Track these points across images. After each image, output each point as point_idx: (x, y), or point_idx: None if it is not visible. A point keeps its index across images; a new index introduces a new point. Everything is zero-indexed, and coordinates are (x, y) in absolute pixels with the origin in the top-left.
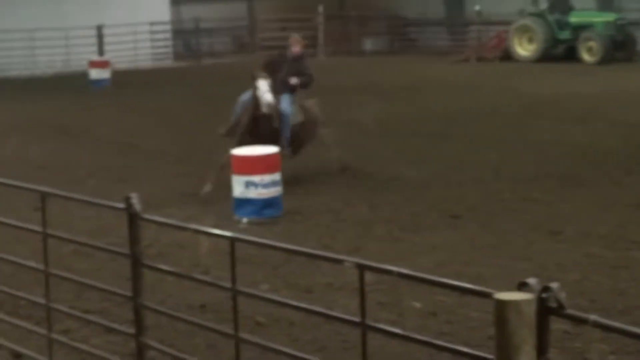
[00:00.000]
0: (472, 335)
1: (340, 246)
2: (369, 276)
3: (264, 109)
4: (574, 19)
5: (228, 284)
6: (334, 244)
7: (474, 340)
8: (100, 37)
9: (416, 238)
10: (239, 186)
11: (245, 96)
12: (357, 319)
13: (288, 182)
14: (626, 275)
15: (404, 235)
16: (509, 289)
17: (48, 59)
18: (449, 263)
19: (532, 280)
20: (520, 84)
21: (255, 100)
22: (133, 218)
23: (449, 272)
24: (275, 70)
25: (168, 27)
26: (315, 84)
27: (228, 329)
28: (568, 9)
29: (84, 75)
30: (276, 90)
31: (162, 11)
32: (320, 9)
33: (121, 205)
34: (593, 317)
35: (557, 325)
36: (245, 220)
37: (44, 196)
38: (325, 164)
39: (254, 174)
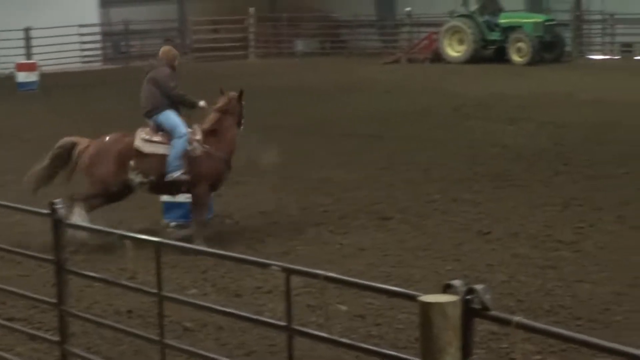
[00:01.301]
0: (400, 337)
1: (269, 249)
2: (297, 280)
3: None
4: (503, 20)
5: (154, 289)
6: (263, 247)
7: (401, 343)
8: (27, 39)
9: (346, 240)
10: None
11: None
12: (283, 323)
13: None
14: (553, 275)
15: (334, 237)
16: (437, 290)
17: None
18: (378, 265)
19: (457, 282)
20: (451, 85)
21: None
22: (57, 224)
23: (379, 274)
24: None
25: (97, 29)
26: (246, 86)
27: (154, 334)
28: (498, 11)
29: (11, 78)
30: None
31: (91, 13)
32: (252, 10)
33: (46, 211)
34: (517, 318)
35: (484, 326)
36: (173, 224)
37: None
38: (257, 166)
39: None
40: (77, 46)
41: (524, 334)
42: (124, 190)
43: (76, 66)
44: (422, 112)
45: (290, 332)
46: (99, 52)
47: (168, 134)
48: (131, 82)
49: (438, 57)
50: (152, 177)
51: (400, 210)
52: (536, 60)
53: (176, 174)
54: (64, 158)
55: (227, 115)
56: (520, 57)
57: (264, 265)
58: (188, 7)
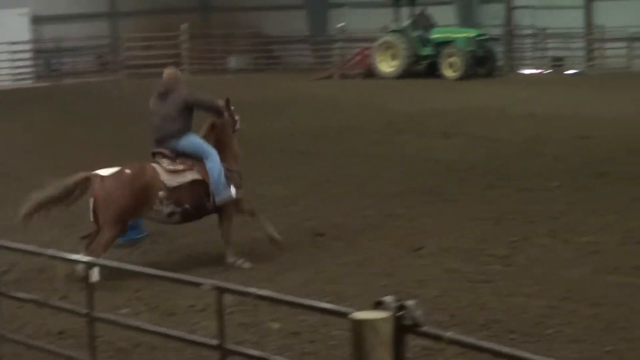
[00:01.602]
0: (334, 354)
1: (203, 267)
2: (230, 298)
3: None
4: (435, 35)
5: (85, 310)
6: (196, 266)
7: (336, 359)
8: None
9: (280, 257)
10: None
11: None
12: (215, 342)
13: None
14: (486, 289)
15: (269, 254)
16: (369, 306)
17: None
18: (313, 282)
19: (388, 299)
20: (384, 100)
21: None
22: None
23: (313, 290)
24: None
25: (28, 46)
26: None
27: (86, 355)
28: (430, 26)
29: None
30: None
31: (22, 31)
32: (184, 27)
33: None
34: (448, 333)
35: (416, 341)
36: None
37: None
38: None
39: None
40: (7, 64)
41: (456, 349)
42: None
43: (7, 84)
44: (355, 127)
45: (223, 351)
46: (30, 69)
47: (189, 158)
48: (63, 99)
49: (371, 73)
50: (186, 205)
51: (334, 226)
52: (468, 75)
53: (227, 195)
54: (74, 192)
55: (225, 127)
56: (453, 72)
57: (196, 284)
58: (120, 24)
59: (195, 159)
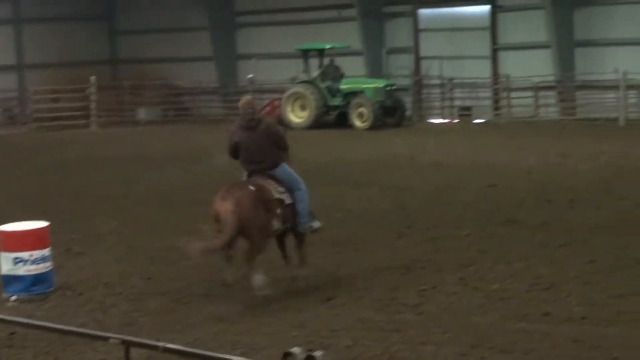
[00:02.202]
0: None
1: (113, 321)
2: (141, 351)
3: None
4: (344, 85)
5: None
6: (106, 319)
7: None
8: None
9: (191, 309)
10: (7, 263)
11: None
12: None
13: (60, 255)
14: (397, 338)
15: (180, 306)
16: (279, 357)
17: None
18: (225, 333)
19: (296, 350)
20: (294, 150)
21: None
22: None
23: (225, 342)
24: None
25: None
26: (86, 155)
27: None
28: (339, 76)
29: None
30: None
31: None
32: (93, 79)
33: None
34: None
35: None
36: (14, 298)
37: None
38: (101, 236)
39: (22, 250)
40: None
41: None
42: None
43: None
44: None
45: None
46: None
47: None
48: None
49: (281, 123)
50: (288, 224)
51: (243, 276)
52: (378, 124)
53: (316, 225)
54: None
55: None
56: (362, 122)
57: (104, 338)
58: (28, 76)
59: (288, 185)
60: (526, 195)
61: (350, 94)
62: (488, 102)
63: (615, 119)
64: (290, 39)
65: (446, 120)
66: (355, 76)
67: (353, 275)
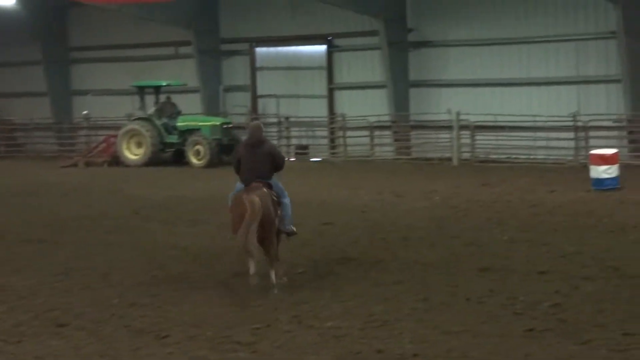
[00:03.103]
0: None
1: None
2: None
3: None
4: (181, 123)
5: None
6: None
7: None
8: None
9: (20, 349)
10: None
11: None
12: None
13: None
14: None
15: (7, 347)
16: None
17: None
18: None
19: None
20: (130, 188)
21: None
22: None
23: None
24: None
25: None
26: None
27: None
28: (176, 113)
29: None
30: None
31: None
32: None
33: None
34: None
35: None
36: None
37: None
38: None
39: None
40: None
41: None
42: None
43: None
44: (100, 215)
45: None
46: None
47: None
48: None
49: (117, 161)
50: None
51: (76, 316)
52: (214, 162)
53: (291, 228)
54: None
55: None
56: (199, 159)
57: None
58: None
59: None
60: (361, 233)
61: (187, 132)
62: (324, 141)
63: (449, 159)
64: (127, 75)
65: None
66: (192, 114)
67: (187, 313)
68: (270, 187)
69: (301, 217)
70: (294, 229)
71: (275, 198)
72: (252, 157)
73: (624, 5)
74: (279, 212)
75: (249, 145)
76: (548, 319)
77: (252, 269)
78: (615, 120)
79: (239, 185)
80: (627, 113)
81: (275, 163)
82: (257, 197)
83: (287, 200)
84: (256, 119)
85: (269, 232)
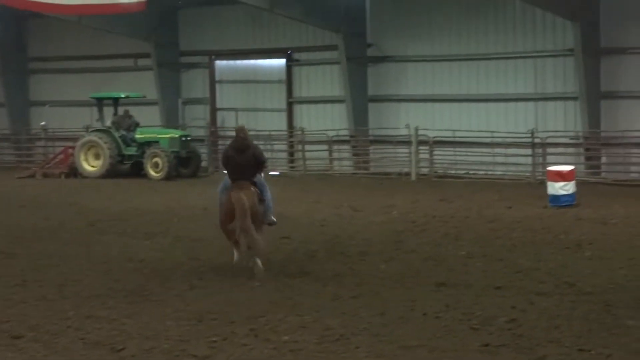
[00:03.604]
0: None
1: None
2: None
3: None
4: (140, 135)
5: None
6: None
7: None
8: None
9: None
10: None
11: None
12: None
13: None
14: None
15: None
16: None
17: None
18: None
19: None
20: (87, 200)
21: None
22: None
23: None
24: None
25: None
26: None
27: None
28: (134, 126)
29: None
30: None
31: None
32: None
33: None
34: None
35: None
36: None
37: None
38: None
39: None
40: None
41: None
42: None
43: None
44: (56, 227)
45: None
46: None
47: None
48: None
49: (74, 172)
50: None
51: (31, 328)
52: (172, 175)
53: (274, 219)
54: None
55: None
56: (157, 172)
57: None
58: None
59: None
60: (319, 247)
61: (145, 144)
62: (283, 155)
63: (408, 174)
64: (86, 87)
65: None
66: (151, 126)
67: (143, 326)
68: (254, 184)
69: None
70: (274, 220)
71: (258, 194)
72: (241, 160)
73: (582, 24)
74: (261, 207)
75: (236, 149)
76: (504, 334)
77: (236, 257)
78: (572, 137)
79: (227, 180)
80: (584, 130)
81: (258, 165)
82: (244, 196)
83: (269, 195)
84: (215, 131)
85: (257, 224)
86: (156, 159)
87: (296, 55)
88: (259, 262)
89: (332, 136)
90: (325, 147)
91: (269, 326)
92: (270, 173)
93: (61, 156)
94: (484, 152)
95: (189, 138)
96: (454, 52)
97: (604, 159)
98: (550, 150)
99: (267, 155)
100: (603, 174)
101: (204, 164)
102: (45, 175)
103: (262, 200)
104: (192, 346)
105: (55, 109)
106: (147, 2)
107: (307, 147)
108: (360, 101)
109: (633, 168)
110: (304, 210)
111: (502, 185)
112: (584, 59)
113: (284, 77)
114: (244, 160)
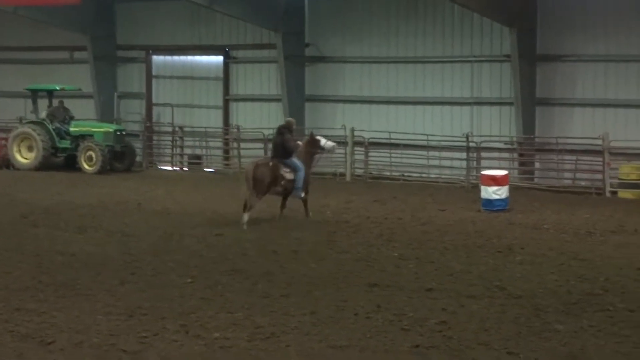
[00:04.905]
0: None
1: None
2: None
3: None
4: (74, 128)
5: None
6: None
7: None
8: None
9: None
10: None
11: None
12: None
13: None
14: None
15: None
16: None
17: None
18: None
19: None
20: (19, 192)
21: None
22: None
23: None
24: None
25: None
26: None
27: None
28: (69, 118)
29: None
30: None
31: None
32: None
33: None
34: None
35: None
36: None
37: None
38: None
39: None
40: None
41: None
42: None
43: None
44: None
45: None
46: None
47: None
48: None
49: (7, 164)
50: (288, 189)
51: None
52: (106, 169)
53: (303, 194)
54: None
55: (311, 151)
56: (91, 165)
57: None
58: None
59: (292, 169)
60: (251, 245)
61: (80, 137)
62: (219, 152)
63: (342, 174)
64: (21, 78)
65: (176, 168)
66: (86, 119)
67: (73, 319)
68: (282, 162)
69: (191, 227)
70: (302, 195)
71: (282, 172)
72: (277, 142)
73: (518, 30)
74: (282, 182)
75: (278, 132)
76: (434, 335)
77: (245, 218)
78: (506, 143)
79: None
80: (518, 136)
81: (286, 149)
82: (251, 166)
83: (301, 173)
84: (150, 127)
85: (255, 188)
86: (90, 153)
87: (234, 53)
88: (246, 216)
89: (268, 134)
90: (260, 145)
91: (200, 322)
92: (205, 170)
93: None
94: (419, 155)
95: (124, 132)
96: (391, 54)
97: (537, 165)
98: (484, 154)
99: (202, 152)
100: (536, 180)
101: (138, 158)
102: None
103: (282, 176)
104: (122, 341)
105: None
106: None
107: (242, 144)
108: (297, 100)
109: (566, 174)
110: (237, 208)
111: (437, 188)
112: (520, 65)
113: (221, 74)
114: (279, 142)
